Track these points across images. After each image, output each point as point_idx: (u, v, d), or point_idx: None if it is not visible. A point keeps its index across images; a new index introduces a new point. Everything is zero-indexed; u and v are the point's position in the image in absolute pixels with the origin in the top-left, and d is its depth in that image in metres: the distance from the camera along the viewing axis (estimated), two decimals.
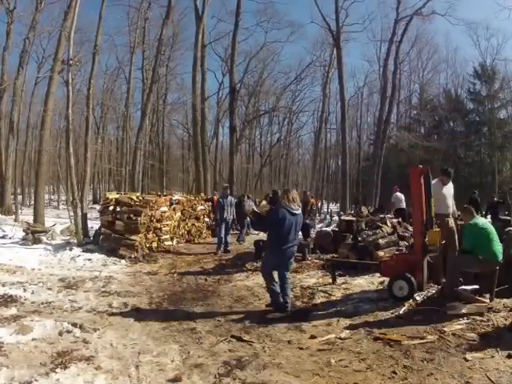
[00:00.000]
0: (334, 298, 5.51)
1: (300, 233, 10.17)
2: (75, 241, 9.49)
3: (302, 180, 46.02)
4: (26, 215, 16.81)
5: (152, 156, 33.92)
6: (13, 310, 4.66)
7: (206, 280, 6.81)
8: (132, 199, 9.30)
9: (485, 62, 30.92)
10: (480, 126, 31.85)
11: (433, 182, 5.33)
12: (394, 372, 3.21)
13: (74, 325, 4.20)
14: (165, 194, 12.28)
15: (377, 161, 24.43)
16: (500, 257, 4.77)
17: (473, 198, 12.49)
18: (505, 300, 4.78)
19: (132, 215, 8.86)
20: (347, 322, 4.50)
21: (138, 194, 12.09)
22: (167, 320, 4.65)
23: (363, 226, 8.51)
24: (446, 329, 4.02)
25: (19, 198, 23.85)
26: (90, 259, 8.11)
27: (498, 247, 4.82)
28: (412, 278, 4.96)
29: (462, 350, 3.53)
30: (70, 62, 10.13)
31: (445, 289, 4.98)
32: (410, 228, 8.15)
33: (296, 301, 5.42)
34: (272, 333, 4.22)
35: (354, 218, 9.44)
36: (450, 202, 5.71)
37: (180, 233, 10.99)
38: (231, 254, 9.37)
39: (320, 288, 5.97)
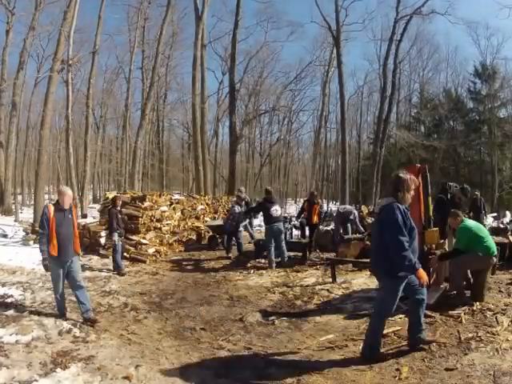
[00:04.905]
0: (334, 296, 5.52)
1: (299, 232, 10.20)
2: None
3: (302, 179, 46.00)
4: (26, 215, 16.81)
5: (152, 156, 33.95)
6: (13, 310, 4.66)
7: (206, 279, 6.81)
8: (133, 198, 9.29)
9: (485, 61, 30.93)
10: (480, 125, 31.78)
11: None
12: (395, 371, 3.20)
13: (74, 325, 4.21)
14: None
15: (377, 160, 24.40)
16: (495, 251, 4.86)
17: (475, 198, 12.54)
18: (505, 300, 4.80)
19: (132, 213, 8.86)
20: (347, 321, 4.50)
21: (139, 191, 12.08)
22: (167, 319, 4.65)
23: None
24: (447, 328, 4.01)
25: (19, 197, 23.86)
26: (90, 259, 8.11)
27: (492, 241, 4.92)
28: None
29: (462, 349, 3.53)
30: (70, 61, 10.15)
31: (450, 289, 4.98)
32: None
33: (296, 300, 5.42)
34: (272, 332, 4.22)
35: None
36: None
37: None
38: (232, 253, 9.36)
39: (320, 287, 5.98)
